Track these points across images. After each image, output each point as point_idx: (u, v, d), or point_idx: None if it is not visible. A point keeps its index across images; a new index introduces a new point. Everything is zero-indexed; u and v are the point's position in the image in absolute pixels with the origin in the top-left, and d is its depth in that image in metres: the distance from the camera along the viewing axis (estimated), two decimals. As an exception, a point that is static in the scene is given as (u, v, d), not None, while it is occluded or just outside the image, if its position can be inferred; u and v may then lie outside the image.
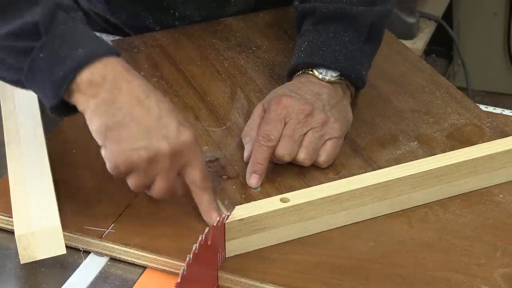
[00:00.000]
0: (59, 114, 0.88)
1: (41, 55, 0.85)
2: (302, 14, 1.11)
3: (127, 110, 0.84)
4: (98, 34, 0.91)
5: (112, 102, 0.84)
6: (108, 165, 0.86)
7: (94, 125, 0.85)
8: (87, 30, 0.88)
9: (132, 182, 0.86)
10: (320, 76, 1.03)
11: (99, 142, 0.86)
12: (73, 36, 0.86)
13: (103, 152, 0.86)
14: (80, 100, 0.85)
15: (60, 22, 0.86)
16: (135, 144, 0.84)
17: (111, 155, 0.85)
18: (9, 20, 0.87)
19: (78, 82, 0.84)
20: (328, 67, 1.03)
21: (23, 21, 0.86)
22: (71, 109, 0.87)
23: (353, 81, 1.05)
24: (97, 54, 0.85)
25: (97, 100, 0.84)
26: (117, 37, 1.31)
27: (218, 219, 0.84)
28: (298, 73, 1.06)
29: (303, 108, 0.97)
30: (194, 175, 0.87)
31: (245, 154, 0.98)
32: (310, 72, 1.04)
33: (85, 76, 0.84)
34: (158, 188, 0.87)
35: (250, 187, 0.95)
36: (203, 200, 0.89)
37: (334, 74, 1.03)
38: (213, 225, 0.82)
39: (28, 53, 0.86)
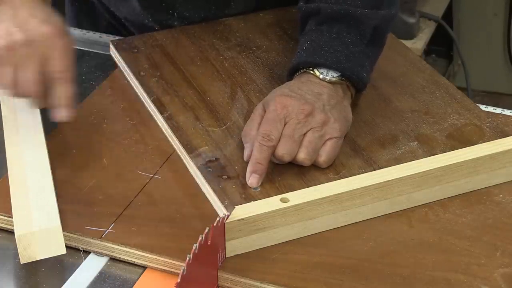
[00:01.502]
0: None
1: None
2: (306, 14, 1.11)
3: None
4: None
5: None
6: None
7: None
8: None
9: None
10: (321, 76, 1.03)
11: None
12: None
13: None
14: None
15: None
16: None
17: None
18: None
19: None
20: (329, 67, 1.03)
21: None
22: None
23: (354, 82, 1.05)
24: None
25: None
26: (117, 37, 1.31)
27: (218, 219, 0.84)
28: (299, 72, 1.06)
29: (303, 108, 0.97)
30: (53, 67, 0.95)
31: (245, 154, 0.98)
32: (311, 72, 1.04)
33: None
34: (24, 80, 0.95)
35: (250, 187, 0.95)
36: (61, 92, 0.94)
37: (335, 75, 1.03)
38: (213, 225, 0.82)
39: None
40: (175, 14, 1.28)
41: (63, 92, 0.97)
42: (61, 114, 0.97)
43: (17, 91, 0.97)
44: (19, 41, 0.95)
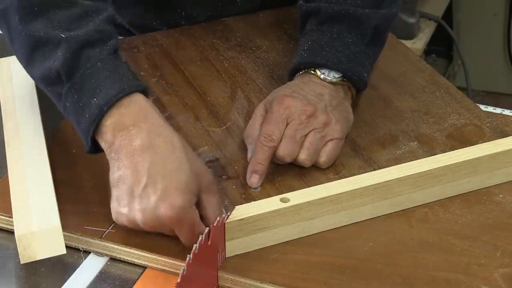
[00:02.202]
0: (97, 152, 0.91)
1: (67, 103, 0.89)
2: (306, 14, 1.11)
3: (123, 172, 0.85)
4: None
5: (115, 160, 0.87)
6: None
7: (110, 173, 0.88)
8: (108, 66, 0.89)
9: None
10: (322, 76, 1.03)
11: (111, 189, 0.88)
12: (90, 82, 0.88)
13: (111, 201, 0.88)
14: (104, 146, 0.89)
15: (81, 66, 0.88)
16: (119, 208, 0.86)
17: (111, 208, 0.88)
18: (38, 63, 0.91)
19: (103, 129, 0.87)
20: (330, 68, 1.03)
21: (49, 66, 0.89)
22: None
23: (355, 82, 1.05)
24: (111, 102, 0.86)
25: (108, 154, 0.88)
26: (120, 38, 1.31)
27: (218, 219, 0.84)
28: (300, 72, 1.06)
29: (305, 109, 0.97)
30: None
31: (249, 155, 0.98)
32: (312, 72, 1.04)
33: (103, 128, 0.87)
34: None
35: (250, 187, 0.95)
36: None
37: (337, 75, 1.03)
38: (213, 225, 0.82)
39: (59, 98, 0.91)
40: (183, 13, 1.28)
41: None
42: None
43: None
44: (140, 224, 0.85)
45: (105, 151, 0.88)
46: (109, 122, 0.87)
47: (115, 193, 0.86)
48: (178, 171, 0.84)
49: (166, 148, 0.86)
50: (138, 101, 0.88)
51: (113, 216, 0.87)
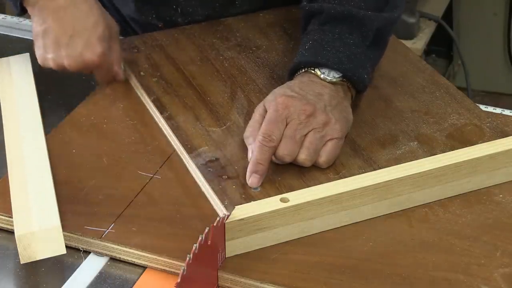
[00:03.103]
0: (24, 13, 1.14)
1: None
2: (309, 14, 1.11)
3: (48, 24, 1.08)
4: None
5: (40, 15, 1.09)
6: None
7: (32, 27, 1.11)
8: None
9: None
10: (322, 76, 1.03)
11: (34, 40, 1.11)
12: None
13: (35, 48, 1.11)
14: (28, 7, 1.11)
15: None
16: (47, 54, 1.10)
17: (36, 54, 1.11)
18: None
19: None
20: (331, 67, 1.03)
21: None
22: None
23: (355, 83, 1.05)
24: None
25: (33, 12, 1.10)
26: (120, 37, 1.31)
27: (218, 219, 0.84)
28: (300, 72, 1.06)
29: (304, 109, 0.97)
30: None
31: (249, 155, 0.98)
32: (313, 72, 1.04)
33: None
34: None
35: (250, 187, 0.95)
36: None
37: (337, 75, 1.03)
38: (213, 225, 0.82)
39: None
40: (179, 9, 1.28)
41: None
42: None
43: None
44: (67, 67, 1.11)
45: (29, 11, 1.11)
46: None
47: (40, 42, 1.10)
48: (97, 23, 1.10)
49: (85, 5, 1.10)
50: None
51: (39, 61, 1.11)
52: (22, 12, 1.12)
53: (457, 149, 0.98)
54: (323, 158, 0.97)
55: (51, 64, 1.10)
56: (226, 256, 0.87)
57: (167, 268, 0.87)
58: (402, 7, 1.12)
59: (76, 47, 1.08)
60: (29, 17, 1.16)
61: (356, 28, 1.06)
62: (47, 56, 1.10)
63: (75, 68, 1.10)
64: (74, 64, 1.09)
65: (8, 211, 0.91)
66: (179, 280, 0.76)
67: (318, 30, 1.08)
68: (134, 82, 1.15)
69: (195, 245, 0.79)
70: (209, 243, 0.82)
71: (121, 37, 1.30)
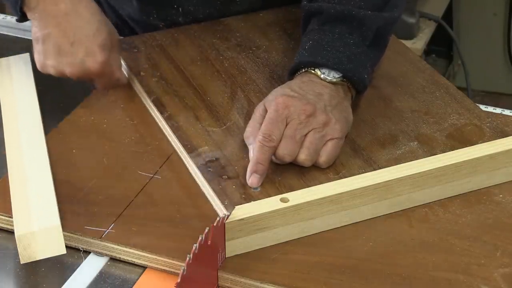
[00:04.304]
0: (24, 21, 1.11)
1: None
2: (309, 14, 1.11)
3: (49, 30, 1.05)
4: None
5: (40, 20, 1.06)
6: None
7: (32, 34, 1.08)
8: None
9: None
10: (322, 76, 1.03)
11: (33, 44, 1.08)
12: None
13: (34, 53, 1.09)
14: (28, 13, 1.08)
15: None
16: (47, 60, 1.07)
17: (35, 59, 1.09)
18: None
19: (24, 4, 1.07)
20: (331, 67, 1.03)
21: None
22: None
23: (355, 83, 1.05)
24: None
25: (33, 17, 1.07)
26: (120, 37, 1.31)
27: (218, 219, 0.84)
28: (300, 72, 1.06)
29: (304, 109, 0.97)
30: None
31: (250, 155, 0.98)
32: (313, 72, 1.04)
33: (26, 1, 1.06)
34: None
35: (250, 187, 0.95)
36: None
37: (337, 75, 1.03)
38: (213, 225, 0.82)
39: None
40: (180, 8, 1.28)
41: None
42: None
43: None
44: (69, 75, 1.08)
45: (28, 15, 1.08)
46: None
47: (40, 47, 1.07)
48: (99, 31, 1.07)
49: (87, 12, 1.07)
50: None
51: (38, 66, 1.08)
52: (22, 18, 1.10)
53: (457, 149, 0.98)
54: (323, 158, 0.97)
55: (50, 71, 1.08)
56: (226, 256, 0.87)
57: (167, 268, 0.87)
58: (402, 6, 1.12)
59: (77, 54, 1.06)
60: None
61: (356, 28, 1.06)
62: (47, 63, 1.08)
63: (76, 76, 1.08)
64: (76, 71, 1.07)
65: (8, 211, 0.91)
66: (179, 280, 0.76)
67: (318, 30, 1.08)
68: (134, 82, 1.15)
69: (195, 245, 0.79)
70: (209, 243, 0.82)
71: (120, 37, 1.30)
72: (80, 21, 1.07)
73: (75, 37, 1.06)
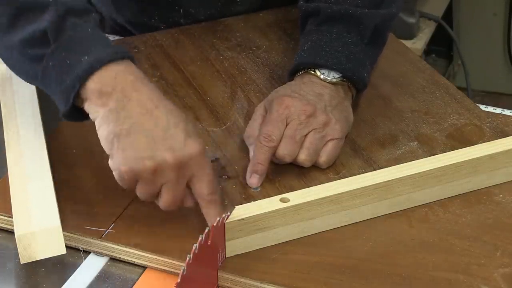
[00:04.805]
0: (72, 120, 0.90)
1: (50, 63, 0.87)
2: (306, 14, 1.11)
3: (135, 119, 0.84)
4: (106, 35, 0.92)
5: (121, 111, 0.84)
6: (114, 174, 0.86)
7: (102, 133, 0.85)
8: (96, 34, 0.89)
9: (138, 191, 0.86)
10: (322, 77, 1.03)
11: (107, 151, 0.85)
12: (80, 43, 0.87)
13: (110, 162, 0.86)
14: (91, 109, 0.86)
15: (68, 28, 0.87)
16: (140, 153, 0.83)
17: (117, 164, 0.85)
18: (21, 27, 0.89)
19: (88, 91, 0.85)
20: (330, 68, 1.03)
21: (34, 29, 0.87)
22: (85, 116, 0.88)
23: (355, 82, 1.05)
24: (102, 62, 0.85)
25: (106, 109, 0.85)
26: (117, 37, 1.30)
27: (218, 219, 0.84)
28: (300, 73, 1.06)
29: (305, 109, 0.97)
30: (201, 188, 0.86)
31: (251, 155, 0.98)
32: (312, 72, 1.04)
33: (93, 85, 0.84)
34: (165, 199, 0.86)
35: (250, 187, 0.95)
36: (210, 214, 0.87)
37: (337, 75, 1.03)
38: (213, 225, 0.82)
39: (40, 60, 0.88)
40: (181, 10, 1.28)
41: (212, 214, 0.87)
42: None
43: (154, 201, 0.88)
44: (168, 165, 0.83)
45: (90, 106, 0.86)
46: (96, 82, 0.85)
47: (126, 142, 0.84)
48: (186, 118, 0.87)
49: (169, 102, 0.88)
50: (131, 67, 0.87)
51: (123, 168, 0.84)
52: (71, 114, 0.88)
53: (457, 149, 0.98)
54: (323, 158, 0.97)
55: (148, 164, 0.83)
56: (226, 256, 0.87)
57: (167, 268, 0.87)
58: (400, 2, 1.11)
59: (176, 138, 0.84)
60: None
61: (354, 26, 1.06)
62: (143, 155, 0.83)
63: (181, 163, 0.84)
64: (180, 156, 0.84)
65: (8, 211, 0.91)
66: (179, 280, 0.76)
67: (316, 31, 1.08)
68: (134, 82, 1.15)
69: (195, 245, 0.79)
70: (209, 243, 0.82)
71: (120, 37, 1.30)
72: (168, 107, 0.87)
73: (168, 122, 0.85)
